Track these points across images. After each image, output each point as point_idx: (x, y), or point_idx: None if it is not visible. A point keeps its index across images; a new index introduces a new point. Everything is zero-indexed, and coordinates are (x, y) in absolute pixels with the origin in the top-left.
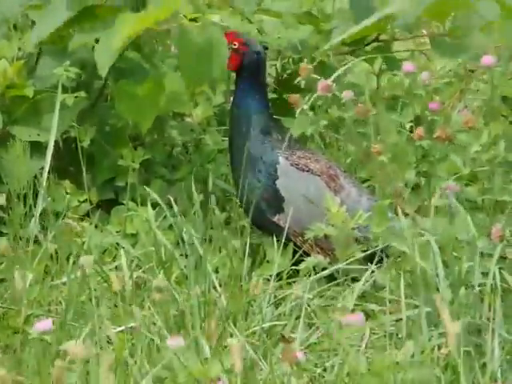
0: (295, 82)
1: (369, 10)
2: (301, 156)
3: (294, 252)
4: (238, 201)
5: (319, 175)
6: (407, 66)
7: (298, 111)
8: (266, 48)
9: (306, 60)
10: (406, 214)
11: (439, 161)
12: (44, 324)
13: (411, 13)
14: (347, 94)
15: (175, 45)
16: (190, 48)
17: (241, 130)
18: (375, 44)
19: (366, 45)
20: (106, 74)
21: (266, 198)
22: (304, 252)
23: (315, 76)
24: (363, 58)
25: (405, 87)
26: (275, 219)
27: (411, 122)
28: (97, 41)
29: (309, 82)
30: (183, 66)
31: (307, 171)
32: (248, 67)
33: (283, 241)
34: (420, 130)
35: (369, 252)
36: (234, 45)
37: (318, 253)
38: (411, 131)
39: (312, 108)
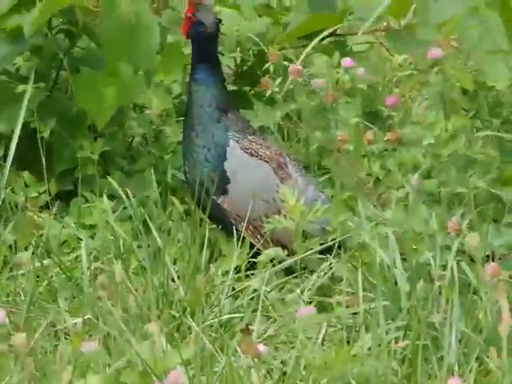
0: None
1: (326, 2)
2: (252, 141)
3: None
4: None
5: (268, 162)
6: (346, 61)
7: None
8: (220, 21)
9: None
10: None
11: (396, 154)
12: None
13: (371, 13)
14: (316, 83)
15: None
16: (115, 20)
17: (196, 104)
18: (332, 38)
19: (324, 38)
20: (28, 35)
21: (212, 177)
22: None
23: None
24: (311, 45)
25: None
26: (219, 201)
27: (359, 116)
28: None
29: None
30: (106, 37)
31: (256, 157)
32: (195, 38)
33: (233, 231)
34: (369, 135)
35: (326, 245)
36: (189, 14)
37: (258, 240)
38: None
39: (271, 101)
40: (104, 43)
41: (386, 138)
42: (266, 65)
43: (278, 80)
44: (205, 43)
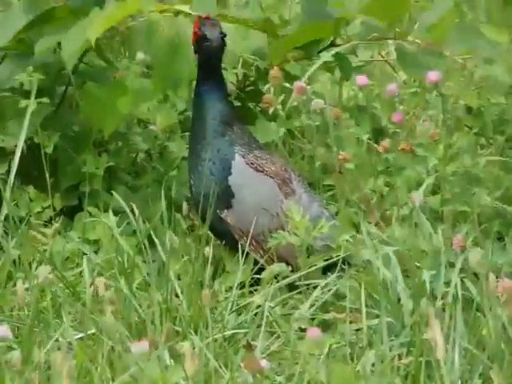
0: (262, 88)
1: (322, 13)
2: (257, 155)
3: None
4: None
5: (273, 177)
6: (361, 79)
7: (270, 111)
8: (225, 35)
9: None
10: (370, 222)
11: (402, 171)
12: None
13: (349, 8)
14: (316, 104)
15: (144, 40)
16: (160, 42)
17: (201, 117)
18: (333, 51)
19: (322, 50)
20: (71, 67)
21: (217, 191)
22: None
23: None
24: (319, 62)
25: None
26: (223, 215)
27: (368, 133)
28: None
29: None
30: (154, 62)
31: (261, 172)
32: (200, 53)
33: (236, 246)
34: (385, 143)
35: (331, 261)
36: (195, 28)
37: (261, 255)
38: (368, 142)
39: (275, 117)
40: (153, 64)
41: (400, 147)
42: (267, 85)
43: (281, 97)
44: (210, 57)
